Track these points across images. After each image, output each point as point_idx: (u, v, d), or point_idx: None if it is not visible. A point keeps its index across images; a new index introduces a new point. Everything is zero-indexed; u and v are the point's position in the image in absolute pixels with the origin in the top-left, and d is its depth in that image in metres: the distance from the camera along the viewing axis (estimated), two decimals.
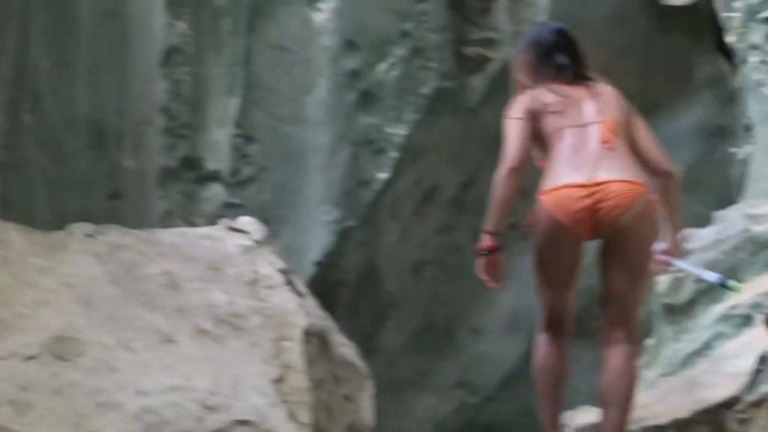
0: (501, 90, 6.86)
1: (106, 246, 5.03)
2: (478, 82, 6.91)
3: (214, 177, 6.69)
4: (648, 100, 7.21)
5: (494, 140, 6.98)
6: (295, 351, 4.80)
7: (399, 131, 6.63)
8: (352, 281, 6.75)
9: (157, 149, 6.70)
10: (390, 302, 6.92)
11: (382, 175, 6.14)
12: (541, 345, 4.83)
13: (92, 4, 6.77)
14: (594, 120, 4.70)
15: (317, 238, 6.52)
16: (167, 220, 6.61)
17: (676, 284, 5.40)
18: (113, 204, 6.68)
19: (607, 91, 4.88)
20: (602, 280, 4.87)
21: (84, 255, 4.93)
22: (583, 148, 4.63)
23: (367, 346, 6.59)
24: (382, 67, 6.70)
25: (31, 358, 4.24)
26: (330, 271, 6.61)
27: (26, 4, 6.68)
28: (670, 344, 5.32)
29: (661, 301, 5.42)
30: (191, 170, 6.73)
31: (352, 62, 6.63)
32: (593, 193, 4.54)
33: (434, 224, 6.65)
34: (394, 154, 6.58)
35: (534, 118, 4.71)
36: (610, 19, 6.98)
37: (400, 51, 6.69)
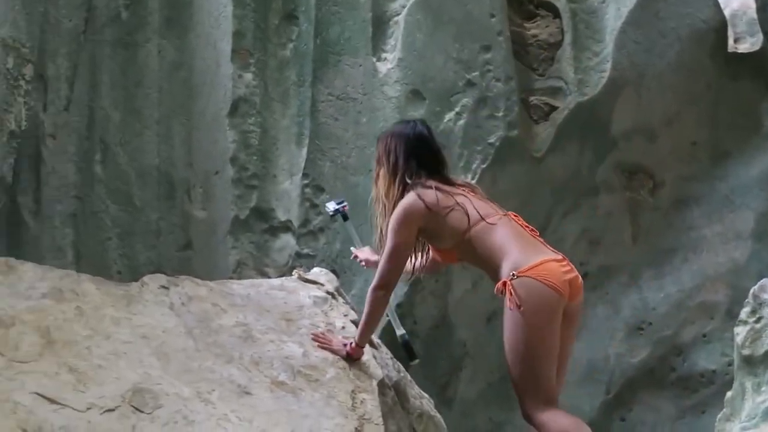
0: (567, 138, 6.88)
1: (180, 297, 5.04)
2: (544, 131, 6.89)
3: (284, 227, 6.69)
4: (716, 148, 7.18)
5: (562, 189, 7.00)
6: (371, 403, 4.78)
7: (467, 181, 6.61)
8: (425, 331, 6.71)
9: (228, 200, 6.71)
10: (463, 352, 6.88)
11: None
12: (561, 418, 4.74)
13: (160, 56, 6.83)
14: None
15: None
16: (239, 271, 6.62)
17: (755, 335, 5.33)
18: (184, 255, 6.71)
19: None
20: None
21: (158, 306, 4.94)
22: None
23: (442, 397, 6.56)
24: (449, 116, 6.69)
25: (109, 410, 4.23)
26: (403, 321, 6.56)
27: (95, 56, 6.75)
28: (750, 396, 5.25)
29: (741, 352, 5.35)
30: (262, 220, 6.74)
31: (417, 112, 6.62)
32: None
33: None
34: None
35: None
36: (676, 67, 6.94)
37: (465, 100, 6.68)
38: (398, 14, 6.75)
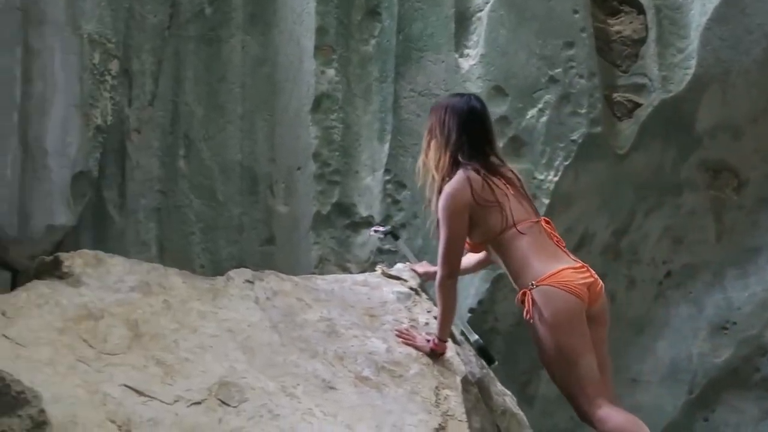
0: (651, 135, 6.82)
1: (265, 292, 5.08)
2: (627, 128, 6.83)
3: (366, 223, 6.70)
4: None
5: (645, 186, 6.94)
6: (455, 399, 4.78)
7: (549, 177, 6.58)
8: (507, 328, 6.69)
9: (310, 195, 6.73)
10: None
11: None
12: (616, 415, 4.74)
13: (243, 52, 6.85)
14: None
15: (471, 285, 6.49)
16: (321, 266, 6.63)
17: None
18: (267, 250, 6.73)
19: None
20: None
21: (244, 301, 4.98)
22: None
23: (523, 395, 6.54)
24: (531, 113, 6.65)
25: (196, 403, 4.27)
26: (484, 318, 6.55)
27: (179, 52, 6.80)
28: None
29: None
30: (344, 216, 6.75)
31: (500, 108, 6.59)
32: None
33: None
34: (545, 200, 6.52)
35: None
36: (762, 64, 6.84)
37: (548, 97, 6.64)
38: (481, 10, 6.72)
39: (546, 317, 4.75)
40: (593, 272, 4.92)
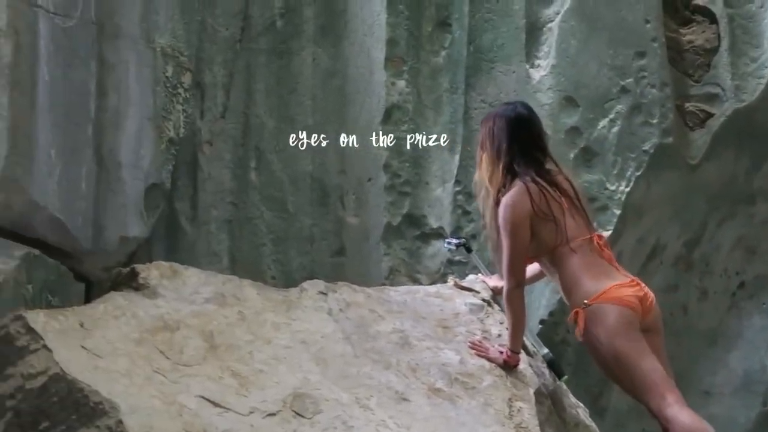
0: (723, 145, 6.77)
1: (338, 303, 5.10)
2: (699, 138, 6.79)
3: (436, 234, 6.69)
4: None
5: (717, 197, 6.89)
6: (528, 412, 4.78)
7: (621, 188, 6.55)
8: (577, 341, 6.65)
9: (380, 206, 6.74)
10: None
11: (606, 233, 6.03)
12: (686, 416, 4.70)
13: (314, 64, 6.88)
14: None
15: (542, 296, 6.46)
16: (391, 278, 6.64)
17: None
18: (337, 261, 6.74)
19: None
20: None
21: (317, 312, 5.00)
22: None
23: (595, 407, 6.50)
24: (602, 123, 6.62)
25: (271, 414, 4.30)
26: (555, 329, 6.52)
27: (250, 65, 6.84)
28: None
29: None
30: (414, 227, 6.74)
31: (571, 119, 6.57)
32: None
33: (659, 283, 6.52)
34: (616, 211, 6.48)
35: None
36: None
37: (619, 107, 6.61)
38: (552, 21, 6.71)
39: (600, 332, 4.78)
40: (644, 286, 4.94)
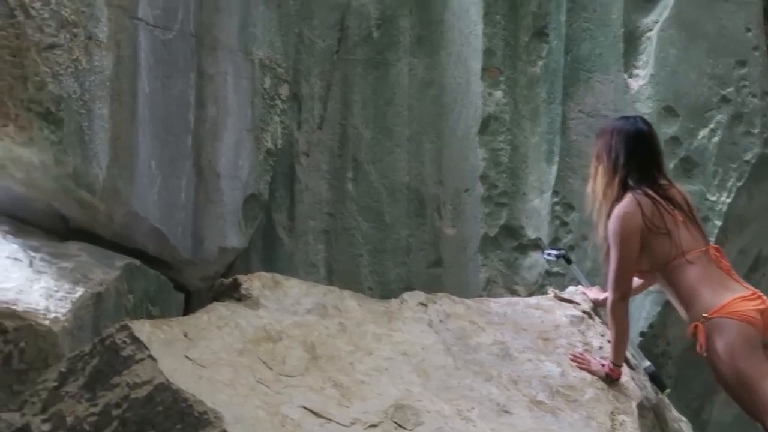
0: None
1: (438, 314, 5.08)
2: None
3: (534, 245, 6.65)
4: None
5: None
6: (631, 425, 4.73)
7: (722, 199, 6.46)
8: (679, 353, 6.56)
9: (477, 217, 6.72)
10: None
11: None
12: None
13: (410, 75, 6.89)
14: None
15: (642, 308, 6.39)
16: (488, 288, 6.61)
17: None
18: (434, 272, 6.74)
19: None
20: None
21: (417, 323, 4.99)
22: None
23: (696, 421, 6.41)
24: (703, 133, 6.55)
25: (372, 425, 4.28)
26: (655, 342, 6.45)
27: (347, 76, 6.86)
28: None
29: None
30: (511, 238, 6.72)
31: (671, 129, 6.49)
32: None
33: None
34: (717, 222, 6.39)
35: None
36: None
37: (720, 117, 6.52)
38: (650, 30, 6.64)
39: (722, 348, 4.69)
40: (766, 299, 4.83)
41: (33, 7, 5.10)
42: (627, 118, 5.28)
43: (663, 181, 5.03)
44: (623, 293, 4.88)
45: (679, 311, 4.94)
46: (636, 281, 5.13)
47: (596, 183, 5.06)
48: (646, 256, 4.89)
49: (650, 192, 4.91)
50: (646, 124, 5.14)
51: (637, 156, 4.98)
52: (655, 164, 5.04)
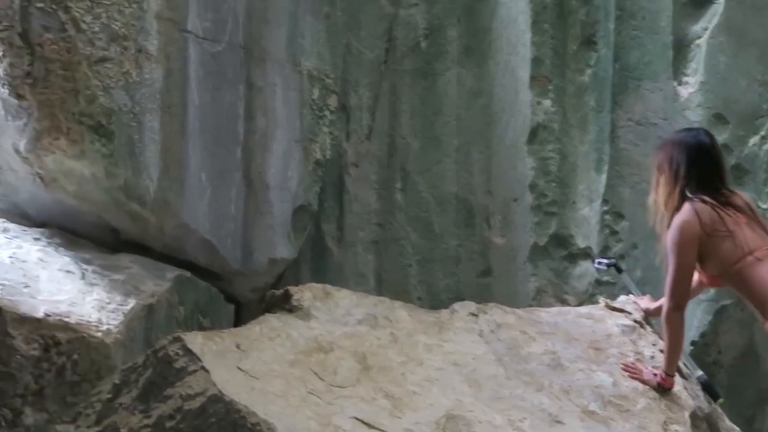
0: None
1: (489, 325, 5.08)
2: None
3: (584, 254, 6.63)
4: None
5: None
6: None
7: (742, 195, 6.42)
8: (729, 362, 6.53)
9: (527, 226, 6.71)
10: None
11: None
12: None
13: (459, 84, 6.88)
14: None
15: (693, 317, 6.36)
16: (538, 298, 6.59)
17: None
18: (484, 281, 6.73)
19: None
20: None
21: (468, 333, 4.98)
22: None
23: (750, 430, 6.37)
24: (753, 140, 6.52)
25: None
26: (707, 351, 6.41)
27: (395, 86, 6.87)
28: None
29: None
30: (561, 247, 6.70)
31: (721, 136, 6.44)
32: None
33: None
34: None
35: None
36: None
37: None
38: (700, 37, 6.61)
39: None
40: None
41: (84, 21, 5.15)
42: (689, 129, 5.29)
43: (725, 191, 5.01)
44: (679, 302, 4.86)
45: (753, 312, 4.88)
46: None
47: (658, 194, 5.05)
48: (712, 260, 4.86)
49: (708, 198, 4.88)
50: (708, 136, 5.12)
51: (698, 167, 4.97)
52: (718, 175, 5.02)
